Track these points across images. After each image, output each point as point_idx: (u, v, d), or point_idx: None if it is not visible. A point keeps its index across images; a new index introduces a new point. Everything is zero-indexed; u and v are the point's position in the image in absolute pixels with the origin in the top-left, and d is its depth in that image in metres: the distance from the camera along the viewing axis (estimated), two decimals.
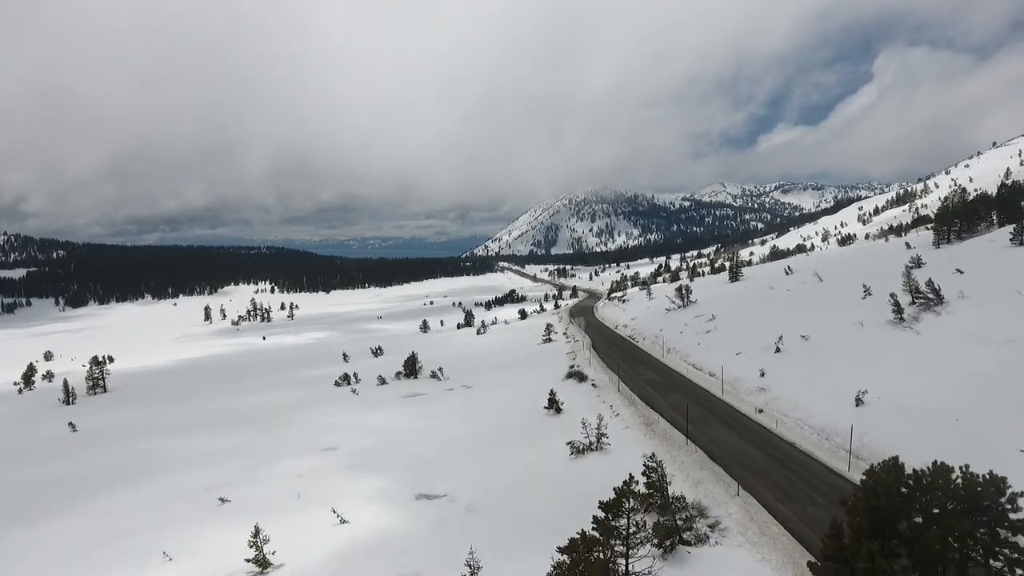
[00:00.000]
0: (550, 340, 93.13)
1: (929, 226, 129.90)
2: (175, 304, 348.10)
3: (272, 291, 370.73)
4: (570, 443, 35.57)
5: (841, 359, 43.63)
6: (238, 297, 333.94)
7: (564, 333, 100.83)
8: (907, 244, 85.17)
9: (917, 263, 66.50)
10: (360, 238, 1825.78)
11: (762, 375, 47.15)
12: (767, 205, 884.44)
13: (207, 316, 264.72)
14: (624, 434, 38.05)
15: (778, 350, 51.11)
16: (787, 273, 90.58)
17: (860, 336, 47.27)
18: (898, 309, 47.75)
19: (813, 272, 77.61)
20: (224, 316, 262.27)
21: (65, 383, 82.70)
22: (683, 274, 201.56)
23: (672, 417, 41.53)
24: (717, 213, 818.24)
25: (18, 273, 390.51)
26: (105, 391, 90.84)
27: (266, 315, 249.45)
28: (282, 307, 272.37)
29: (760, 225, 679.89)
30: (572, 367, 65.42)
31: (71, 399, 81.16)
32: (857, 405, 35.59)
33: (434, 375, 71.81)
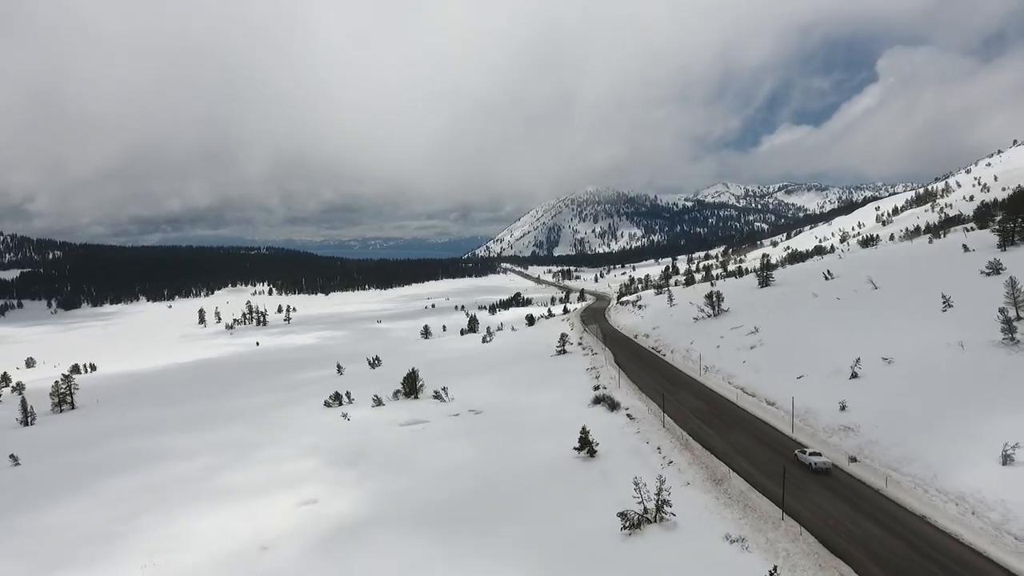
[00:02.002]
0: (565, 351, 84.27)
1: (970, 225, 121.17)
2: (170, 306, 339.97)
3: (270, 293, 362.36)
4: (622, 514, 26.66)
5: (950, 393, 34.65)
6: (235, 299, 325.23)
7: (579, 343, 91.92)
8: (964, 246, 76.32)
9: (995, 268, 57.71)
10: (362, 238, 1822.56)
11: (842, 409, 38.21)
12: (770, 206, 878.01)
13: (201, 319, 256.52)
14: (687, 496, 29.11)
15: (854, 375, 42.18)
16: (827, 278, 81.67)
17: (964, 361, 38.30)
18: (1009, 327, 38.84)
19: (866, 279, 68.57)
20: (219, 319, 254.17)
21: (23, 402, 73.74)
22: (697, 276, 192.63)
23: (744, 469, 32.60)
24: (721, 214, 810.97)
25: (12, 274, 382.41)
26: (73, 407, 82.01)
27: (262, 318, 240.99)
28: (279, 309, 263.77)
29: (764, 226, 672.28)
30: (597, 388, 56.56)
31: (30, 419, 72.31)
32: (1005, 463, 26.71)
33: (437, 395, 62.95)
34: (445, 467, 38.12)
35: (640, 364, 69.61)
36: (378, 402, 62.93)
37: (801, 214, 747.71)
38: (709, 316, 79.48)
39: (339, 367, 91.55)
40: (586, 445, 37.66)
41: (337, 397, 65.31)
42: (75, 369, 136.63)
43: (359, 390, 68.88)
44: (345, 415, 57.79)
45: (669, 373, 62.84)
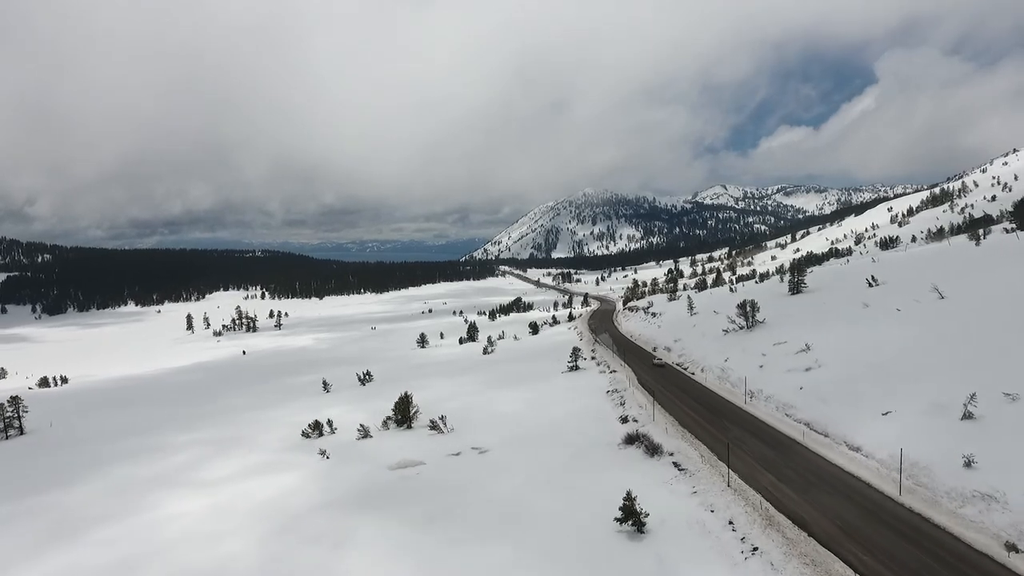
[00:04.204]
0: (577, 367, 75.01)
1: (1009, 226, 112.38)
2: (159, 311, 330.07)
3: (262, 297, 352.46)
4: None
5: None
6: (226, 303, 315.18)
7: (592, 356, 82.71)
8: None
9: None
10: (359, 241, 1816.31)
11: (968, 465, 28.88)
12: (769, 207, 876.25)
13: (189, 325, 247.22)
14: None
15: (968, 415, 32.92)
16: (871, 285, 72.64)
17: None
18: None
19: (930, 286, 59.40)
20: (208, 325, 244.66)
21: None
22: (708, 278, 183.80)
23: (866, 564, 23.24)
24: (720, 216, 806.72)
25: None
26: (22, 433, 72.27)
27: (252, 324, 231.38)
28: (270, 315, 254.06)
29: (764, 228, 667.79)
30: (626, 421, 47.27)
31: None
32: None
33: (434, 425, 53.59)
34: (444, 543, 28.75)
35: (668, 385, 60.32)
36: (364, 433, 53.47)
37: (800, 216, 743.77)
38: (742, 328, 70.32)
39: (325, 384, 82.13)
40: (631, 515, 28.36)
41: (316, 427, 55.86)
42: (43, 382, 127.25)
43: (344, 415, 59.83)
44: (323, 452, 48.31)
45: (706, 399, 53.55)
